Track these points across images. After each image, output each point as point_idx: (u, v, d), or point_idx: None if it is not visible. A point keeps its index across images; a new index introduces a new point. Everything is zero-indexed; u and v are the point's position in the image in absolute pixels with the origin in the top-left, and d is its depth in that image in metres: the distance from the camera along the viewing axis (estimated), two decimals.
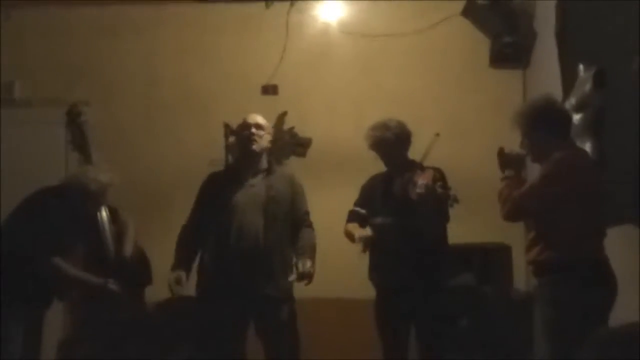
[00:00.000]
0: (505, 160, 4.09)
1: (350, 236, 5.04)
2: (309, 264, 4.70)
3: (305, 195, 5.04)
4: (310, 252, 4.81)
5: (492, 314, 5.49)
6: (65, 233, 4.72)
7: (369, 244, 4.90)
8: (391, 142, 4.98)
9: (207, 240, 4.83)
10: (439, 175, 4.81)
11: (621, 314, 3.77)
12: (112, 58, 7.08)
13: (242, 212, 4.76)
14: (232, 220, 4.75)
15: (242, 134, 4.93)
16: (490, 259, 5.86)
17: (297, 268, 4.69)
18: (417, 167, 4.91)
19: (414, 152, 5.07)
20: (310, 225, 4.98)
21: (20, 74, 7.03)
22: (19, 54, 7.04)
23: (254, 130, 4.87)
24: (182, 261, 4.79)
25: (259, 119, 4.95)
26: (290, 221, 4.89)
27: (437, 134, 4.93)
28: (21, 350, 4.61)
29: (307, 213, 5.00)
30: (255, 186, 4.85)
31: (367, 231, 4.95)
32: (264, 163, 4.95)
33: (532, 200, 3.86)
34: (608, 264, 3.82)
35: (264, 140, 4.91)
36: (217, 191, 4.87)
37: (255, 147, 4.86)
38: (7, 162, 6.69)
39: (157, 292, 5.31)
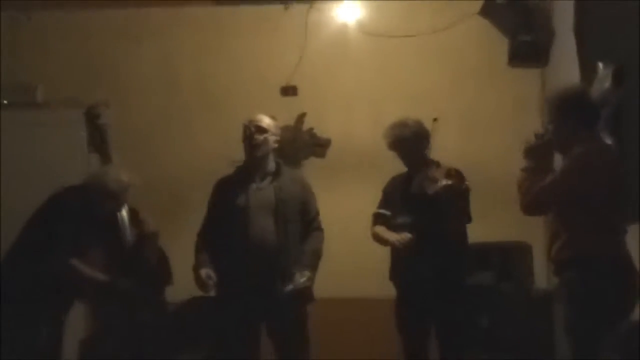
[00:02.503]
0: (528, 149, 4.03)
1: (380, 239, 5.04)
2: (306, 276, 4.69)
3: (314, 196, 4.99)
4: (313, 259, 4.80)
5: (512, 313, 5.49)
6: (85, 233, 4.75)
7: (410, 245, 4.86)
8: (410, 140, 4.99)
9: (221, 243, 4.81)
10: (455, 173, 4.81)
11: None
12: (131, 60, 7.11)
13: (253, 216, 4.74)
14: (243, 224, 4.73)
15: (245, 138, 4.88)
16: (510, 258, 5.85)
17: (294, 280, 4.67)
18: (434, 164, 4.91)
19: (431, 150, 5.07)
20: (319, 228, 4.93)
21: (41, 76, 7.07)
22: (40, 56, 7.09)
23: (254, 134, 4.81)
24: (204, 262, 4.78)
25: (263, 122, 4.86)
26: (300, 222, 4.86)
27: (435, 119, 4.96)
28: (43, 351, 4.64)
29: (317, 214, 4.95)
30: (265, 189, 4.82)
31: (405, 235, 4.90)
32: (271, 165, 4.90)
33: (552, 195, 3.82)
34: (629, 261, 3.78)
35: (267, 143, 4.84)
36: (228, 196, 4.85)
37: (256, 151, 4.83)
38: (29, 163, 6.75)
39: (177, 292, 5.35)
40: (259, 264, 4.68)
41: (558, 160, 4.12)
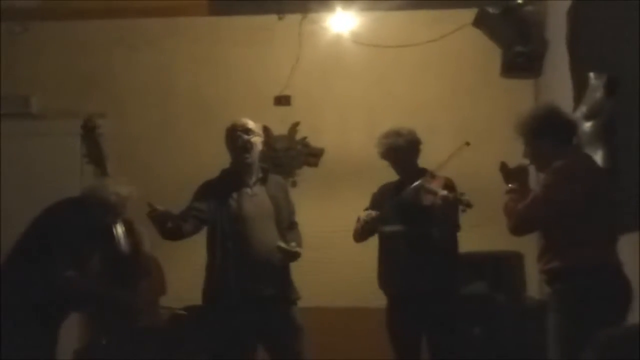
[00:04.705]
0: (509, 173, 4.08)
1: (356, 232, 5.05)
2: (295, 245, 4.73)
3: (293, 203, 5.05)
4: (298, 241, 4.82)
5: (504, 322, 5.49)
6: (82, 245, 4.74)
7: (372, 224, 4.89)
8: (402, 148, 5.01)
9: (218, 251, 4.78)
10: (449, 184, 4.84)
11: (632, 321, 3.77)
12: (126, 70, 7.14)
13: (251, 222, 4.72)
14: (241, 230, 4.70)
15: (233, 143, 4.87)
16: (502, 267, 5.85)
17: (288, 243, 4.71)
18: (428, 174, 4.93)
19: (425, 161, 5.09)
20: (296, 225, 4.98)
21: (37, 86, 7.09)
22: (35, 67, 7.11)
23: (244, 136, 4.83)
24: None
25: (248, 124, 4.89)
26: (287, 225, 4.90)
27: (468, 143, 4.93)
28: None
29: (294, 222, 5.00)
30: (258, 195, 4.83)
31: (372, 213, 4.94)
32: (258, 170, 4.91)
33: (536, 212, 3.83)
34: (620, 270, 3.80)
35: (256, 145, 4.87)
36: (219, 201, 4.81)
37: (248, 154, 4.83)
38: (23, 173, 6.76)
39: (171, 302, 5.35)
40: (263, 273, 4.67)
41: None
